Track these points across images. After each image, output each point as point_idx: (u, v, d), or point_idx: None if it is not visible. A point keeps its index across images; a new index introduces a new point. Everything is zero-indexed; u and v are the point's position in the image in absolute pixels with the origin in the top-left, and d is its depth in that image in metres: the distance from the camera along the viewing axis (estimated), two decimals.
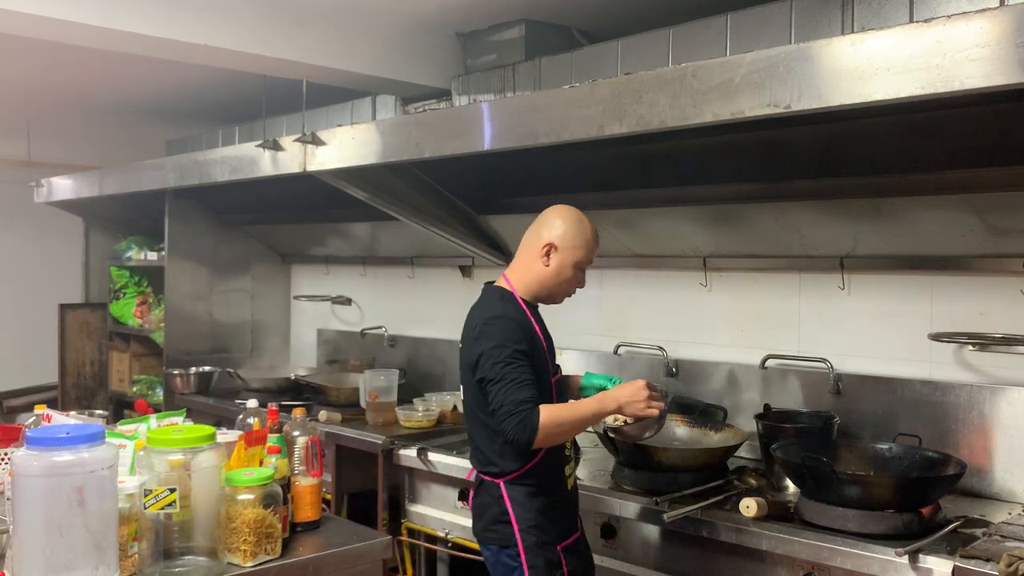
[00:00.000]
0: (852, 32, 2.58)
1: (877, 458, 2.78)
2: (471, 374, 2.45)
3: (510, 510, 2.43)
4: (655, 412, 2.47)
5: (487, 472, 2.49)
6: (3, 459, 2.36)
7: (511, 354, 2.36)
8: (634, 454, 2.88)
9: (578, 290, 4.05)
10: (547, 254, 2.51)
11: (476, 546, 3.26)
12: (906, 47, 1.94)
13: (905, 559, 2.23)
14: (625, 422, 2.72)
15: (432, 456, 3.43)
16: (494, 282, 2.61)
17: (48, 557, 1.80)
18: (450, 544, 3.40)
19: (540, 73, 3.92)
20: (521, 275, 2.56)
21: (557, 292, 2.57)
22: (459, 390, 4.24)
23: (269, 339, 5.80)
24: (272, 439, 2.36)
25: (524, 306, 2.52)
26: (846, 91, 2.05)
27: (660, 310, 3.77)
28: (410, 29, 4.27)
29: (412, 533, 3.57)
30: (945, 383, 2.92)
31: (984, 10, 1.85)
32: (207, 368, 5.24)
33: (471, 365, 2.44)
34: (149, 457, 2.01)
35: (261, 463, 2.28)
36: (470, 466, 3.22)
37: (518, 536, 2.41)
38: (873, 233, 2.97)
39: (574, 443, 2.67)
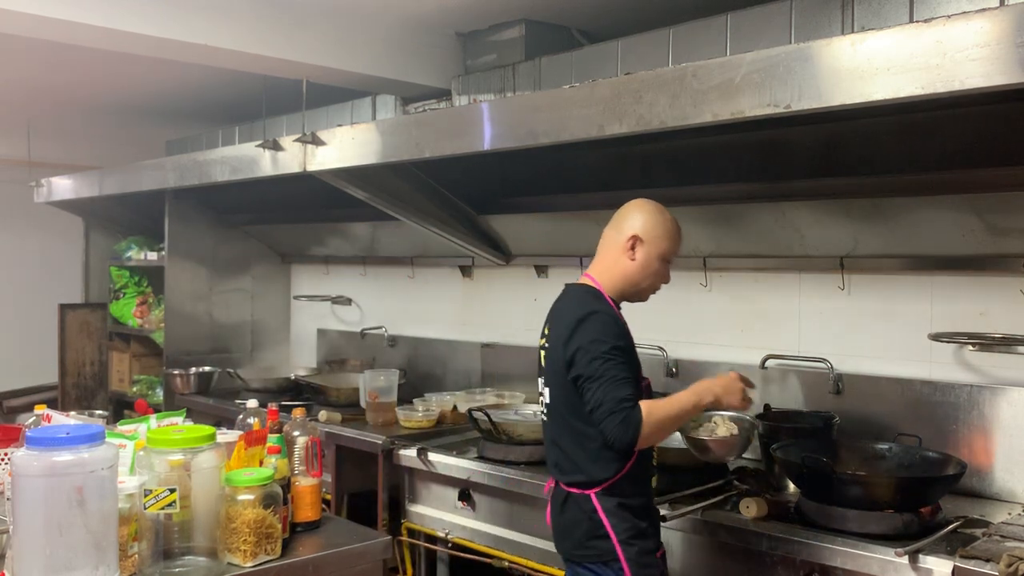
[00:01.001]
0: (852, 32, 2.58)
1: (877, 458, 2.78)
2: (564, 372, 2.32)
3: (606, 522, 2.28)
4: (750, 402, 2.42)
5: (573, 483, 2.34)
6: (3, 459, 2.36)
7: (609, 350, 2.25)
8: None
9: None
10: (632, 247, 2.39)
11: (476, 546, 3.29)
12: (906, 47, 1.94)
13: (905, 559, 2.23)
14: (712, 433, 2.70)
15: (432, 456, 3.43)
16: (574, 283, 2.50)
17: (48, 557, 1.79)
18: (450, 544, 3.40)
19: (540, 73, 3.92)
20: (605, 272, 2.43)
21: (645, 288, 2.46)
22: (460, 390, 4.30)
23: (269, 339, 5.80)
24: (272, 439, 2.35)
25: (613, 304, 2.41)
26: (846, 91, 2.05)
27: (660, 310, 3.75)
28: (410, 29, 4.28)
29: (412, 533, 3.57)
30: (945, 383, 2.92)
31: (984, 10, 1.85)
32: (207, 368, 5.24)
33: (565, 362, 2.31)
34: (149, 457, 2.01)
35: (261, 463, 2.28)
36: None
37: (619, 549, 2.27)
38: (873, 233, 2.97)
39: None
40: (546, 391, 2.44)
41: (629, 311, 2.44)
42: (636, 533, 2.29)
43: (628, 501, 2.31)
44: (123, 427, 2.43)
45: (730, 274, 3.54)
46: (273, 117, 5.43)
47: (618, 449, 2.25)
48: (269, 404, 2.66)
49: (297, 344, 5.86)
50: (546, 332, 2.48)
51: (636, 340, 3.63)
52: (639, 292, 2.47)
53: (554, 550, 2.99)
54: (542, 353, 2.49)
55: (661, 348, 3.67)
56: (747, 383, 2.43)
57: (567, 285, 2.52)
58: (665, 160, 3.35)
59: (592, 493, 2.30)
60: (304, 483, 2.41)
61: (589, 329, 2.28)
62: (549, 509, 2.47)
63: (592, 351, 2.25)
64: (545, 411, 2.49)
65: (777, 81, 2.15)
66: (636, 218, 2.42)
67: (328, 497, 3.83)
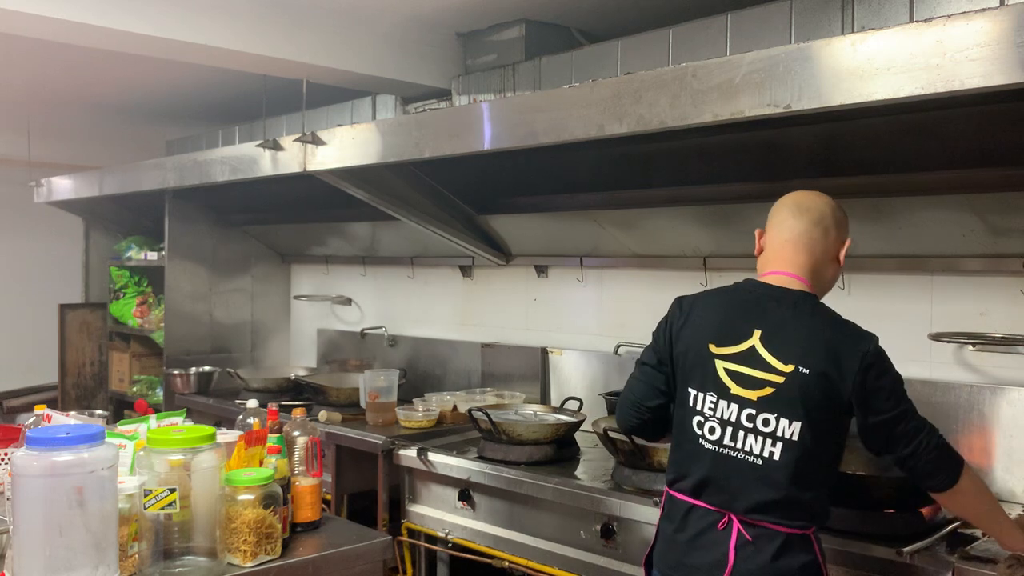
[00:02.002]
0: (852, 32, 2.58)
1: (877, 458, 2.78)
2: (833, 408, 2.02)
3: (821, 562, 2.05)
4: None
5: (798, 526, 2.02)
6: (3, 459, 2.36)
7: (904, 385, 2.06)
8: (634, 454, 2.88)
9: (579, 290, 4.11)
10: (843, 253, 2.18)
11: (476, 546, 3.28)
12: (906, 47, 1.94)
13: (905, 559, 2.23)
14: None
15: (432, 456, 3.43)
16: (787, 287, 2.13)
17: (48, 557, 1.79)
18: (450, 544, 3.40)
19: (540, 73, 3.92)
20: (818, 280, 2.16)
21: None
22: (460, 390, 4.30)
23: (269, 339, 5.81)
24: (272, 439, 2.35)
25: None
26: (846, 91, 2.05)
27: (660, 310, 3.74)
28: (410, 29, 4.28)
29: (412, 533, 3.57)
30: (945, 383, 2.92)
31: (984, 10, 1.85)
32: (207, 368, 5.24)
33: (848, 398, 2.00)
34: (149, 457, 2.01)
35: (261, 463, 2.28)
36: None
37: None
38: (873, 233, 2.97)
39: None
40: (782, 424, 2.01)
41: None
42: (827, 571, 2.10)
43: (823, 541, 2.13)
44: (123, 427, 2.43)
45: (730, 274, 3.50)
46: (273, 117, 5.43)
47: (930, 488, 2.07)
48: (269, 404, 2.66)
49: (297, 344, 5.86)
50: (761, 345, 2.07)
51: (637, 340, 3.60)
52: None
53: (555, 550, 3.02)
54: (737, 368, 2.08)
55: None
56: None
57: (781, 289, 2.13)
58: (665, 160, 3.35)
59: (811, 533, 2.05)
60: (304, 483, 2.41)
61: (887, 366, 2.05)
62: (736, 552, 2.02)
63: (899, 390, 2.04)
64: (755, 443, 2.04)
65: (777, 81, 2.15)
66: (846, 221, 2.20)
67: (328, 497, 3.83)
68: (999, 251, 2.76)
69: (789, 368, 2.01)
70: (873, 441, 2.07)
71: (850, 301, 3.19)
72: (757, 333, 2.07)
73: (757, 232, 2.27)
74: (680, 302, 2.30)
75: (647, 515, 2.74)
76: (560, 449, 3.31)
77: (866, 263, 3.11)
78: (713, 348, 2.12)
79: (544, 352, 4.14)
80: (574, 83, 3.07)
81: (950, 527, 2.40)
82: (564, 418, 3.56)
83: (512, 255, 4.26)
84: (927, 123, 2.63)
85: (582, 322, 4.08)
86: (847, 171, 2.89)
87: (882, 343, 3.14)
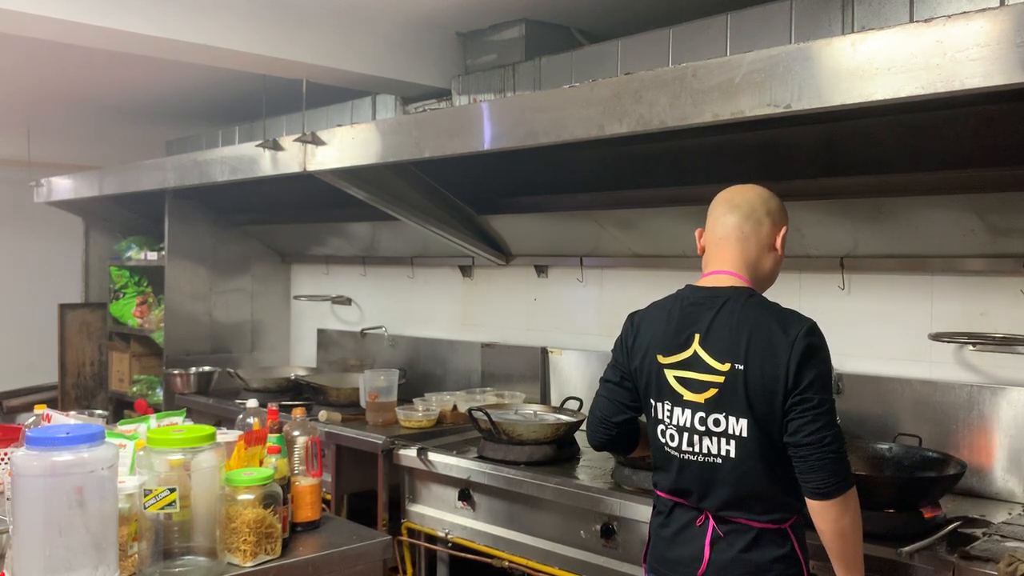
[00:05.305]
0: (852, 32, 2.58)
1: (877, 458, 2.78)
2: (776, 400, 1.98)
3: (800, 554, 2.05)
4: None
5: (771, 520, 2.04)
6: (3, 459, 2.36)
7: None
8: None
9: (579, 290, 4.11)
10: (783, 243, 2.18)
11: (476, 546, 3.28)
12: (906, 47, 1.94)
13: (905, 559, 2.23)
14: None
15: (432, 456, 3.43)
16: (725, 284, 2.13)
17: (48, 557, 1.80)
18: (450, 544, 3.40)
19: (540, 73, 3.92)
20: (756, 273, 2.16)
21: None
22: (460, 390, 4.30)
23: (269, 339, 5.81)
24: (272, 439, 2.36)
25: None
26: (846, 91, 2.05)
27: None
28: (410, 29, 4.28)
29: (412, 533, 3.57)
30: (945, 383, 2.92)
31: (984, 10, 1.85)
32: (207, 368, 5.24)
33: (787, 388, 1.97)
34: (149, 457, 2.01)
35: (261, 463, 2.28)
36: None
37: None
38: (873, 233, 2.97)
39: None
40: (730, 422, 2.03)
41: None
42: (808, 564, 2.09)
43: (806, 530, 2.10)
44: (123, 427, 2.43)
45: None
46: (273, 117, 5.43)
47: (814, 489, 1.97)
48: (269, 404, 2.67)
49: (297, 344, 5.86)
50: (700, 349, 2.08)
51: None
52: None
53: (555, 550, 3.02)
54: (684, 374, 2.10)
55: None
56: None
57: (716, 289, 2.14)
58: (665, 160, 3.35)
59: (788, 526, 2.05)
60: (304, 483, 2.41)
61: (820, 353, 2.01)
62: (711, 547, 2.07)
63: (826, 380, 2.01)
64: (709, 443, 2.07)
65: (777, 81, 2.15)
66: (781, 209, 2.20)
67: (328, 497, 3.83)
68: (999, 251, 2.76)
69: (726, 367, 2.04)
70: (782, 417, 2.01)
71: (850, 301, 3.20)
72: (697, 337, 2.09)
73: (698, 232, 2.29)
74: (631, 318, 2.32)
75: (647, 515, 2.72)
76: (560, 449, 3.31)
77: (866, 263, 3.11)
78: (661, 359, 2.15)
79: (544, 352, 4.14)
80: (574, 83, 3.07)
81: (950, 527, 2.40)
82: (564, 418, 3.56)
83: (512, 255, 4.26)
84: (927, 123, 2.63)
85: (582, 322, 4.08)
86: (847, 171, 2.89)
87: (882, 343, 3.16)
